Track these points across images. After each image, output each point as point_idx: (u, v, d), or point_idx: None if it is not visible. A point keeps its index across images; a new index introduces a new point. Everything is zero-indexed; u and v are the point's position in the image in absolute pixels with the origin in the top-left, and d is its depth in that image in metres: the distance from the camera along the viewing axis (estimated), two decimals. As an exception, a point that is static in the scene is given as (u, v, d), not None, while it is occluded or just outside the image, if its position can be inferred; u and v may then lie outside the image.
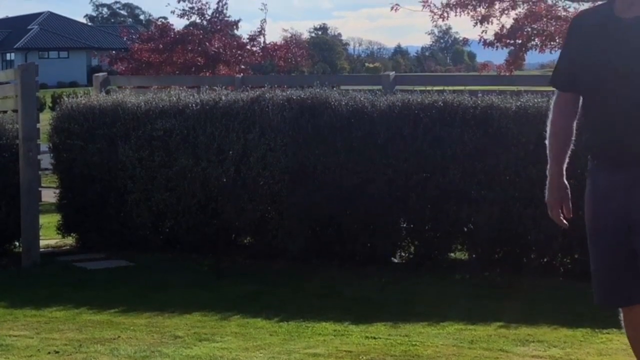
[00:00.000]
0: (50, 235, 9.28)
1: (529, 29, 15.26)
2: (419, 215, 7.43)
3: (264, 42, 19.92)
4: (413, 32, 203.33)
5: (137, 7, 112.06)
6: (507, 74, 15.12)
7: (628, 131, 3.27)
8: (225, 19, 20.01)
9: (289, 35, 47.15)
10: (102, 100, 8.79)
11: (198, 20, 20.29)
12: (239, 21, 20.66)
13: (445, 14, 15.15)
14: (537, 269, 7.13)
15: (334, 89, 8.39)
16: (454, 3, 15.04)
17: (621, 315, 3.55)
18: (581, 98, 3.51)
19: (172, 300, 6.68)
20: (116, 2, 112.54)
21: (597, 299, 3.62)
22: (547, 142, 3.63)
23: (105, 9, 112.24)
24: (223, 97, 8.25)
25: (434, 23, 15.70)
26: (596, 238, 3.58)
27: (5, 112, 9.24)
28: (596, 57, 3.36)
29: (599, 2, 3.65)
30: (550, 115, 3.63)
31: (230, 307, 6.37)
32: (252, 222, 7.95)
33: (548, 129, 3.62)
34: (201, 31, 19.30)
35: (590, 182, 3.59)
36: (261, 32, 19.91)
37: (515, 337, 5.32)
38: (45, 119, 9.44)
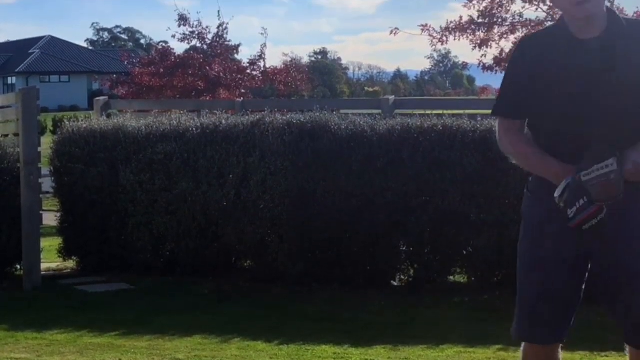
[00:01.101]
0: (51, 258, 9.30)
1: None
2: (418, 238, 7.45)
3: (264, 66, 19.98)
4: (412, 56, 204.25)
5: (138, 32, 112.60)
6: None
7: (581, 153, 3.24)
8: (226, 43, 20.07)
9: (289, 59, 47.34)
10: (103, 124, 8.83)
11: (199, 45, 20.35)
12: (239, 45, 20.75)
13: (445, 38, 15.23)
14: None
15: (334, 113, 8.41)
16: (453, 27, 15.12)
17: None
18: (527, 122, 3.47)
19: (173, 323, 6.70)
20: (117, 27, 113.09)
21: (519, 333, 3.55)
22: (522, 165, 3.55)
23: (106, 33, 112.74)
24: (223, 121, 8.28)
25: (433, 47, 15.78)
26: (535, 267, 3.51)
27: (6, 135, 9.27)
28: (554, 77, 3.35)
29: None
30: (506, 143, 3.56)
31: (231, 330, 6.39)
32: (253, 245, 7.97)
33: (514, 156, 3.56)
34: (202, 55, 19.36)
35: (534, 204, 3.54)
36: (261, 56, 19.97)
37: (514, 360, 5.33)
38: (47, 143, 9.48)
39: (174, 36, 19.95)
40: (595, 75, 3.29)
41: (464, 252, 7.43)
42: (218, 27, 19.92)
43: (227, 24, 20.01)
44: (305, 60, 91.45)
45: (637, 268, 3.35)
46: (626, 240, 3.37)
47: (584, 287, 3.48)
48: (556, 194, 3.25)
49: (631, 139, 3.25)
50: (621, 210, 3.32)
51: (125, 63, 23.14)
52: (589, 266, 3.44)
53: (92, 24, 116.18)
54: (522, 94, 3.42)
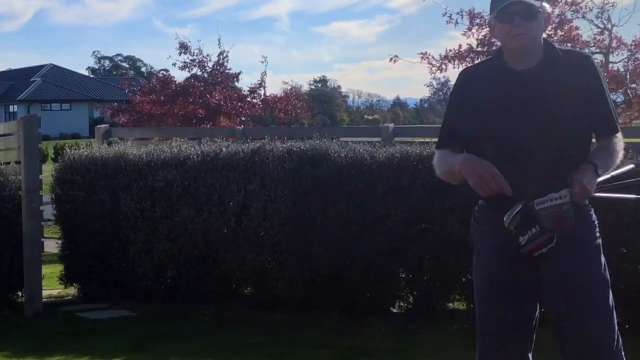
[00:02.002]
0: (52, 285, 9.32)
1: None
2: (418, 265, 7.46)
3: (265, 94, 20.06)
4: (412, 84, 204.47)
5: (139, 60, 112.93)
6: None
7: (525, 179, 3.33)
8: (227, 71, 20.14)
9: (290, 87, 47.53)
10: (104, 152, 8.88)
11: (199, 73, 20.41)
12: (239, 74, 20.82)
13: (444, 67, 15.25)
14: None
15: (334, 140, 8.43)
16: (453, 56, 15.16)
17: None
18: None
19: (174, 350, 6.72)
20: (118, 55, 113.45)
21: None
22: (444, 173, 3.67)
23: (107, 62, 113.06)
24: (224, 149, 8.32)
25: (433, 75, 15.75)
26: (489, 296, 3.64)
27: (8, 163, 9.32)
28: (491, 107, 3.48)
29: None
30: (436, 163, 3.69)
31: (231, 357, 6.41)
32: (253, 272, 7.98)
33: (442, 169, 3.66)
34: (202, 84, 19.43)
35: (482, 234, 3.65)
36: (262, 84, 20.04)
37: (513, 387, 5.33)
38: (48, 171, 9.52)
39: (174, 64, 20.04)
40: (529, 105, 3.43)
41: (463, 279, 7.42)
42: (219, 56, 20.02)
43: (228, 52, 20.12)
44: (306, 88, 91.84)
45: (568, 308, 3.45)
46: (560, 279, 3.47)
47: (538, 311, 3.58)
48: (506, 219, 3.35)
49: (572, 163, 3.38)
50: (568, 243, 3.42)
51: (127, 91, 23.24)
52: (544, 283, 3.52)
53: (94, 52, 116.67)
54: (461, 127, 3.58)
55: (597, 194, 3.43)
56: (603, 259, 3.53)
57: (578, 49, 3.56)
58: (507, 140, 3.40)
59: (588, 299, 3.44)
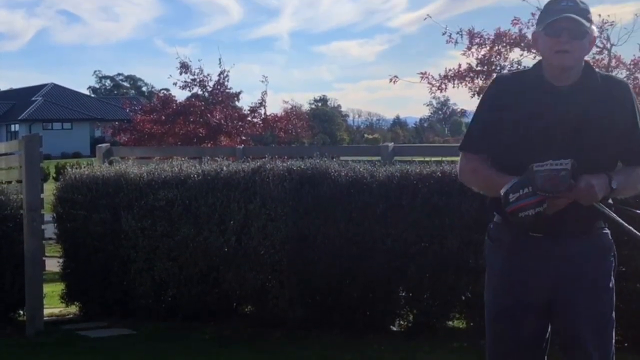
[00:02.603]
0: (54, 304, 9.33)
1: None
2: (417, 284, 7.46)
3: (265, 113, 20.09)
4: (411, 103, 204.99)
5: (140, 79, 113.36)
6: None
7: None
8: (227, 90, 20.18)
9: (290, 106, 47.60)
10: (105, 171, 8.90)
11: (200, 92, 20.47)
12: (240, 93, 20.88)
13: (443, 86, 15.27)
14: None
15: (334, 159, 8.43)
16: (452, 75, 15.19)
17: None
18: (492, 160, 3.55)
19: (174, 368, 6.73)
20: (119, 74, 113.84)
21: None
22: (486, 189, 3.61)
23: (108, 81, 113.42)
24: (224, 168, 8.34)
25: (432, 95, 15.76)
26: (501, 316, 3.59)
27: (9, 182, 9.35)
28: (523, 117, 3.46)
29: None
30: (468, 171, 3.65)
31: (231, 375, 6.41)
32: (253, 291, 7.99)
33: (476, 181, 3.64)
34: (203, 103, 19.47)
35: (496, 252, 3.62)
36: (262, 103, 20.08)
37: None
38: (49, 189, 9.56)
39: (175, 84, 20.10)
40: (560, 121, 3.41)
41: (463, 298, 7.44)
42: (219, 75, 20.07)
43: (228, 71, 20.18)
44: (306, 107, 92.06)
45: (585, 336, 3.47)
46: (569, 307, 3.48)
47: (549, 332, 3.58)
48: (502, 190, 3.31)
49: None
50: (578, 263, 3.42)
51: (127, 110, 23.30)
52: (553, 312, 3.52)
53: (95, 71, 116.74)
54: (490, 131, 3.53)
55: (606, 210, 3.40)
56: (612, 282, 3.54)
57: (616, 75, 3.57)
58: (532, 150, 3.38)
59: (594, 334, 3.48)
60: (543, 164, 3.25)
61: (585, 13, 3.44)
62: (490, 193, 3.57)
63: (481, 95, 3.78)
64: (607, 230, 3.56)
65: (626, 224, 3.41)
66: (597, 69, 3.63)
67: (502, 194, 3.31)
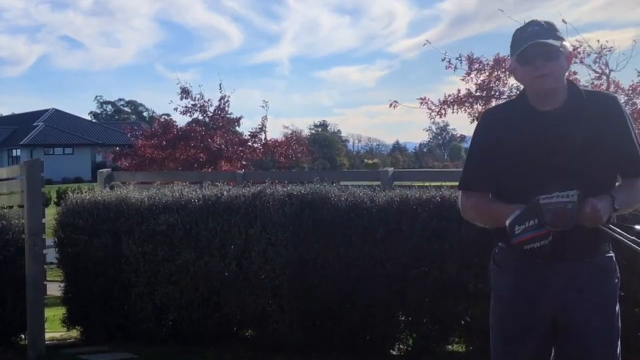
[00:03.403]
0: (55, 328, 9.34)
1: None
2: (417, 308, 7.48)
3: (265, 138, 20.08)
4: (411, 128, 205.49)
5: (141, 104, 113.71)
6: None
7: None
8: (227, 116, 20.19)
9: (290, 131, 47.60)
10: (106, 196, 8.94)
11: (200, 117, 20.46)
12: (240, 118, 20.91)
13: (443, 111, 15.27)
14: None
15: (334, 184, 8.48)
16: (451, 100, 15.20)
17: None
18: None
19: (175, 392, 6.73)
20: (120, 100, 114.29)
21: None
22: (490, 223, 3.64)
23: (109, 106, 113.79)
24: (225, 193, 8.37)
25: (432, 120, 15.75)
26: (507, 339, 3.61)
27: (11, 207, 9.38)
28: (516, 146, 3.48)
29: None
30: (470, 208, 3.66)
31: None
32: (254, 315, 8.01)
33: (480, 217, 3.66)
34: (203, 128, 19.48)
35: (502, 276, 3.64)
36: (262, 128, 20.09)
37: None
38: (51, 214, 9.58)
39: (176, 109, 20.08)
40: (553, 146, 3.42)
41: (462, 322, 7.44)
42: (220, 100, 20.08)
43: (229, 96, 20.19)
44: (306, 132, 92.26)
45: (592, 357, 3.52)
46: (574, 331, 3.51)
47: (553, 354, 3.60)
48: (507, 221, 3.33)
49: (592, 196, 3.35)
50: (583, 286, 3.45)
51: (128, 135, 23.29)
52: (559, 334, 3.55)
53: (96, 97, 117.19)
54: (486, 166, 3.56)
55: (610, 227, 3.43)
56: (618, 307, 3.59)
57: (602, 90, 3.56)
58: (528, 178, 3.40)
59: (601, 355, 3.54)
60: (550, 197, 3.24)
61: (553, 33, 3.46)
62: (495, 225, 3.58)
63: (473, 131, 3.81)
64: (611, 253, 3.60)
65: (631, 242, 3.45)
66: (581, 87, 3.63)
67: (507, 224, 3.32)
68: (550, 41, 3.40)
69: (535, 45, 3.39)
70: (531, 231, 3.28)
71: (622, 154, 3.50)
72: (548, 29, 3.46)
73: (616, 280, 3.59)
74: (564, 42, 3.49)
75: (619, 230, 3.46)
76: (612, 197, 3.37)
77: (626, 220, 3.85)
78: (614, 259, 3.60)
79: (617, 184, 3.61)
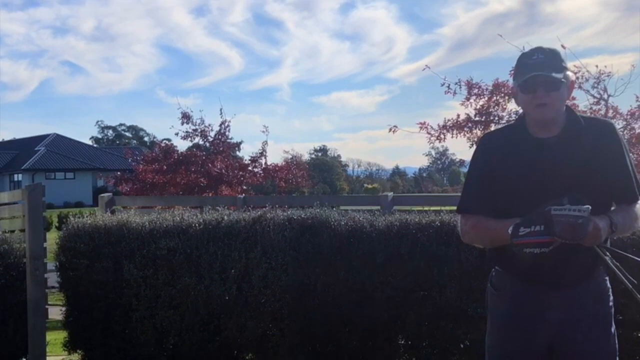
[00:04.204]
0: (56, 352, 9.35)
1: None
2: (416, 332, 7.49)
3: (265, 163, 20.14)
4: (411, 153, 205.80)
5: (142, 129, 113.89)
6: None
7: None
8: (228, 141, 20.26)
9: (290, 156, 47.67)
10: (107, 220, 8.97)
11: (201, 142, 20.54)
12: (241, 143, 21.00)
13: (442, 136, 15.32)
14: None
15: (334, 209, 8.49)
16: (451, 125, 15.25)
17: None
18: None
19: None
20: (121, 125, 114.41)
21: None
22: (489, 241, 3.64)
23: (110, 131, 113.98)
24: (225, 217, 8.41)
25: (431, 145, 15.75)
26: None
27: (13, 231, 9.42)
28: (514, 172, 3.52)
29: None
30: (468, 229, 3.68)
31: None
32: (254, 339, 8.02)
33: (478, 236, 3.66)
34: (204, 153, 19.54)
35: (498, 299, 3.67)
36: (262, 153, 20.14)
37: None
38: (52, 238, 9.61)
39: (177, 134, 20.16)
40: (551, 172, 3.47)
41: (462, 346, 7.44)
42: (220, 125, 20.17)
43: (229, 121, 20.28)
44: (306, 157, 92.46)
45: None
46: (569, 353, 3.54)
47: None
48: (514, 223, 3.34)
49: None
50: (578, 309, 3.48)
51: (129, 160, 23.34)
52: (555, 356, 3.58)
53: (97, 122, 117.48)
54: (484, 191, 3.59)
55: (603, 256, 3.46)
56: (613, 328, 3.60)
57: (600, 117, 3.53)
58: (527, 206, 3.39)
59: None
60: (561, 208, 3.25)
61: (557, 62, 3.50)
62: (495, 243, 3.60)
63: (471, 156, 3.84)
64: (605, 278, 3.63)
65: (623, 274, 3.48)
66: (580, 114, 3.67)
67: (512, 226, 3.34)
68: (553, 74, 3.45)
69: (539, 75, 3.45)
70: (535, 236, 3.30)
71: (617, 180, 3.55)
72: (553, 59, 3.50)
73: (610, 304, 3.62)
74: (567, 72, 3.53)
75: (606, 254, 3.50)
76: (610, 218, 3.42)
77: (625, 244, 3.89)
78: (608, 282, 3.61)
79: (611, 208, 3.63)
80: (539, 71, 3.45)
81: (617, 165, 3.56)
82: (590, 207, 3.27)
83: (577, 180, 3.46)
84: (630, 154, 3.62)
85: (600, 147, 3.51)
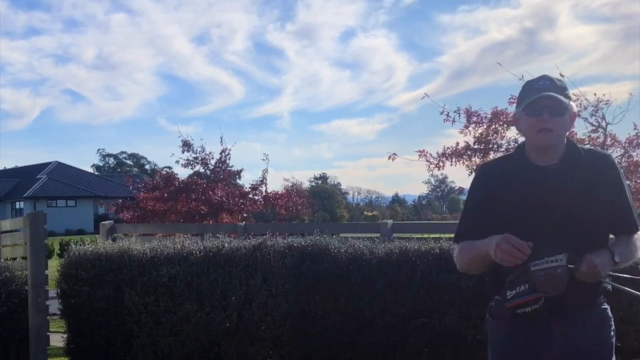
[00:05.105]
0: (57, 379, 9.35)
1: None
2: (416, 358, 7.49)
3: (266, 191, 20.11)
4: (410, 181, 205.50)
5: (143, 157, 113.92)
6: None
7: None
8: (228, 168, 20.25)
9: (290, 184, 47.70)
10: (108, 248, 9.02)
11: (202, 170, 20.52)
12: (241, 171, 20.96)
13: (441, 164, 15.27)
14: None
15: (334, 236, 8.52)
16: (450, 153, 15.21)
17: None
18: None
19: None
20: (122, 152, 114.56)
21: None
22: (472, 259, 3.62)
23: (111, 159, 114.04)
24: (226, 245, 8.45)
25: (430, 172, 15.70)
26: None
27: (14, 259, 9.47)
28: (513, 200, 3.51)
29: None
30: (457, 254, 3.69)
31: None
32: (254, 366, 8.02)
33: (466, 259, 3.65)
34: (205, 180, 19.54)
35: (496, 328, 3.66)
36: (263, 181, 20.12)
37: None
38: (54, 266, 9.65)
39: (177, 162, 20.14)
40: (550, 201, 3.45)
41: (461, 373, 7.47)
42: (221, 153, 20.16)
43: (230, 149, 20.27)
44: (306, 185, 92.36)
45: None
46: None
47: None
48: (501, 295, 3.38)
49: (587, 251, 3.37)
50: (579, 337, 3.50)
51: (130, 188, 23.38)
52: None
53: (98, 149, 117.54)
54: (482, 218, 3.57)
55: (612, 284, 3.47)
56: (614, 358, 3.59)
57: (598, 149, 3.53)
58: (525, 236, 3.36)
59: None
60: (540, 263, 3.27)
61: (562, 90, 3.52)
62: (482, 265, 3.60)
63: (469, 185, 3.82)
64: (606, 305, 3.63)
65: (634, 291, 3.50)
66: (579, 145, 3.67)
67: (502, 292, 3.39)
68: (561, 97, 3.46)
69: (546, 97, 3.44)
70: (522, 296, 3.34)
71: (616, 211, 3.56)
72: (559, 86, 3.52)
73: (612, 333, 3.62)
74: (571, 102, 3.54)
75: (614, 284, 3.52)
76: (611, 251, 3.42)
77: (625, 272, 3.89)
78: (609, 310, 3.63)
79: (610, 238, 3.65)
80: (547, 92, 3.46)
81: (617, 197, 3.56)
82: (565, 254, 3.29)
83: (576, 209, 3.47)
84: (628, 182, 3.65)
85: (600, 178, 3.52)
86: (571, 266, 3.32)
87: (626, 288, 3.53)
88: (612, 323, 3.63)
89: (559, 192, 3.48)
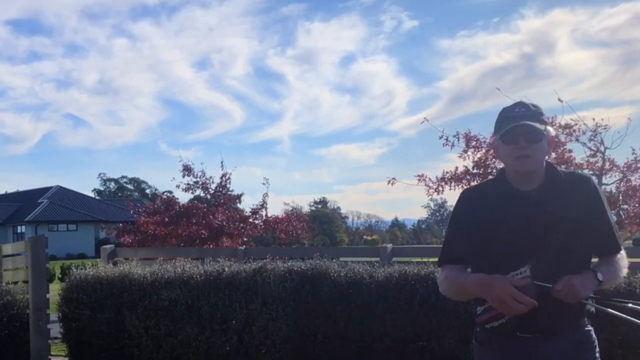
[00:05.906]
0: (58, 401, 9.33)
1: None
2: (415, 382, 7.50)
3: (266, 215, 20.11)
4: (410, 205, 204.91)
5: (144, 182, 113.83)
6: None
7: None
8: (229, 193, 20.27)
9: (290, 208, 47.67)
10: (109, 272, 9.05)
11: (202, 194, 20.54)
12: (241, 195, 20.97)
13: (440, 188, 15.30)
14: None
15: (334, 260, 8.56)
16: (449, 177, 15.24)
17: None
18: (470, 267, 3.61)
19: None
20: (123, 177, 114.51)
21: None
22: (453, 289, 3.65)
23: (112, 184, 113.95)
24: (226, 269, 8.49)
25: (430, 197, 15.70)
26: None
27: (16, 282, 9.49)
28: (494, 225, 3.53)
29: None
30: (442, 279, 3.70)
31: None
32: (254, 389, 8.03)
33: (451, 286, 3.66)
34: (205, 205, 19.55)
35: (483, 355, 3.70)
36: (263, 205, 20.14)
37: None
38: (55, 290, 9.67)
39: (178, 186, 20.16)
40: (531, 225, 3.49)
41: (461, 396, 7.47)
42: (221, 178, 20.20)
43: (230, 174, 20.31)
44: (306, 209, 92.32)
45: None
46: None
47: None
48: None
49: (569, 274, 3.39)
50: (550, 355, 3.52)
51: (131, 212, 23.35)
52: None
53: (99, 174, 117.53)
54: (465, 244, 3.62)
55: (595, 305, 3.48)
56: None
57: (578, 171, 3.54)
58: (507, 260, 3.41)
59: None
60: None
61: (538, 116, 3.57)
62: (464, 296, 3.66)
63: (452, 211, 3.85)
64: (590, 327, 3.65)
65: (621, 314, 3.48)
66: (559, 168, 3.70)
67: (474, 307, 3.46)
68: (536, 125, 3.50)
69: (522, 126, 3.48)
70: (490, 311, 3.42)
71: (599, 235, 3.59)
72: (534, 112, 3.56)
73: (597, 355, 3.64)
74: (548, 127, 3.58)
75: (606, 307, 3.52)
76: (594, 272, 3.44)
77: (621, 294, 3.89)
78: (593, 332, 3.65)
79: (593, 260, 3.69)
80: (522, 121, 3.51)
81: (599, 219, 3.59)
82: (529, 266, 3.34)
83: (557, 232, 3.49)
84: (626, 206, 3.68)
85: (581, 201, 3.55)
86: (549, 285, 3.35)
87: (609, 310, 3.52)
88: (597, 345, 3.64)
89: (540, 216, 3.50)
